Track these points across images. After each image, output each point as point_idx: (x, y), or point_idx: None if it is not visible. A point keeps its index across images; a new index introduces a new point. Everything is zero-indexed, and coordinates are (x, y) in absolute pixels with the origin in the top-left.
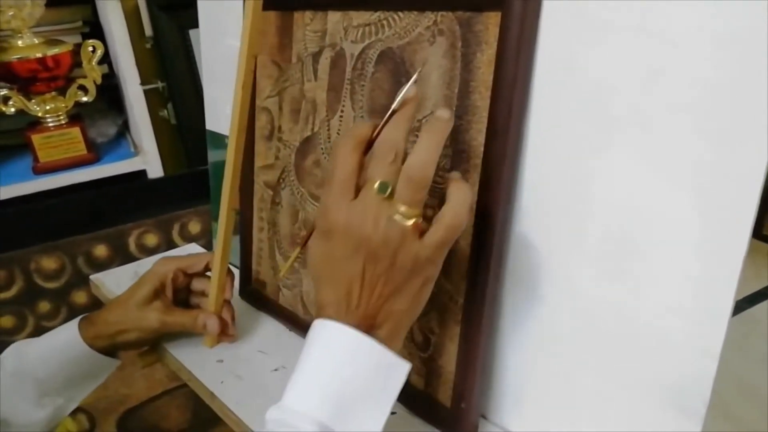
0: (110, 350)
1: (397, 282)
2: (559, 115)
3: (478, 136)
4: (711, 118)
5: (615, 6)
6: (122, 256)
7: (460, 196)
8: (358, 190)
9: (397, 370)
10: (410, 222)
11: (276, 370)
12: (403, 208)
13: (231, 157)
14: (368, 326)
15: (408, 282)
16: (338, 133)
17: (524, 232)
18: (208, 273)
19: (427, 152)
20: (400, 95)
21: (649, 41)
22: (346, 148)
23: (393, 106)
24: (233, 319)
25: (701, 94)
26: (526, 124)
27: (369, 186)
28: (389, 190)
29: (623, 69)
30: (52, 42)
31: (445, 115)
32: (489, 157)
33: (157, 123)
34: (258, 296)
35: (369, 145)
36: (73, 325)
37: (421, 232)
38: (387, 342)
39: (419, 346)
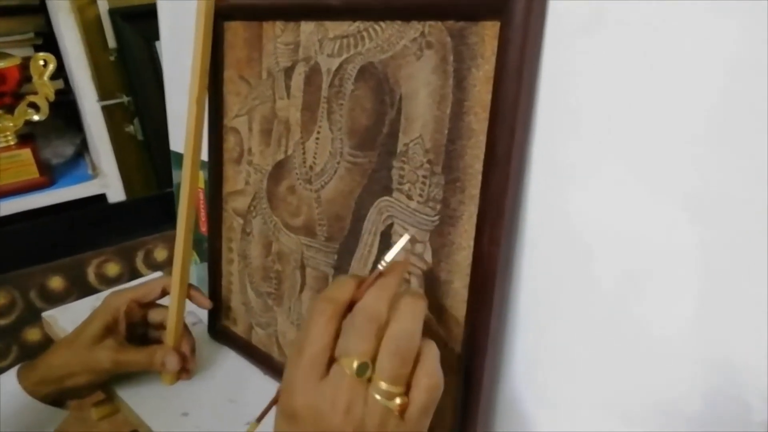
0: (57, 398)
1: None
2: (566, 140)
3: (474, 163)
4: (723, 142)
5: (629, 11)
6: (80, 288)
7: (429, 352)
8: (330, 362)
9: None
10: (396, 401)
11: (248, 423)
12: (384, 386)
13: (186, 177)
14: None
15: None
16: (314, 157)
17: (527, 273)
18: (166, 301)
19: (412, 320)
20: (389, 258)
21: (666, 59)
22: (324, 317)
23: (380, 268)
24: (193, 351)
25: (715, 116)
26: (530, 150)
27: (345, 363)
28: (369, 371)
29: (639, 85)
30: None
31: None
32: (489, 187)
33: (123, 140)
34: (228, 334)
35: (350, 306)
36: (11, 374)
37: (403, 409)
38: None
39: None
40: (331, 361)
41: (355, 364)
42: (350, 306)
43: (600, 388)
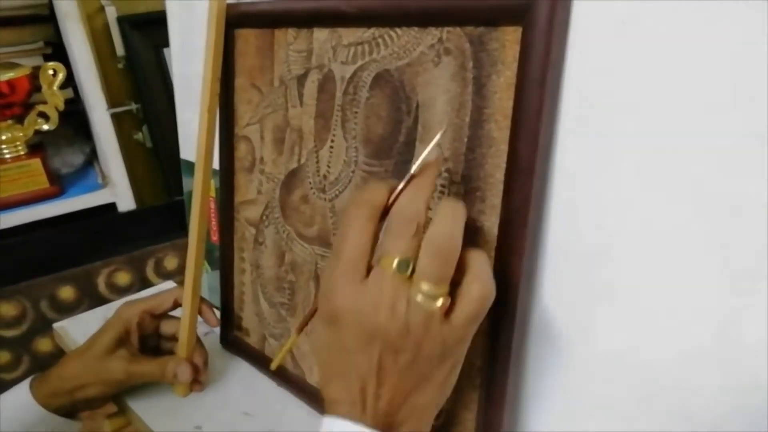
0: (69, 410)
1: (423, 373)
2: (591, 149)
3: (495, 172)
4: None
5: (654, 14)
6: (91, 298)
7: (482, 262)
8: (369, 267)
9: None
10: (437, 303)
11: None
12: (426, 287)
13: (198, 187)
14: (387, 425)
15: (434, 371)
16: (328, 166)
17: (550, 283)
18: (178, 312)
19: (453, 222)
20: (421, 158)
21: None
22: (360, 219)
23: (412, 170)
24: (206, 363)
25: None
26: (553, 160)
27: (385, 263)
28: (410, 268)
29: (669, 90)
30: (6, 65)
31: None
32: (511, 197)
33: (132, 148)
34: (241, 345)
35: (385, 211)
36: (24, 386)
37: (447, 311)
38: None
39: None
40: (370, 267)
41: (395, 262)
42: (385, 212)
43: (626, 399)
